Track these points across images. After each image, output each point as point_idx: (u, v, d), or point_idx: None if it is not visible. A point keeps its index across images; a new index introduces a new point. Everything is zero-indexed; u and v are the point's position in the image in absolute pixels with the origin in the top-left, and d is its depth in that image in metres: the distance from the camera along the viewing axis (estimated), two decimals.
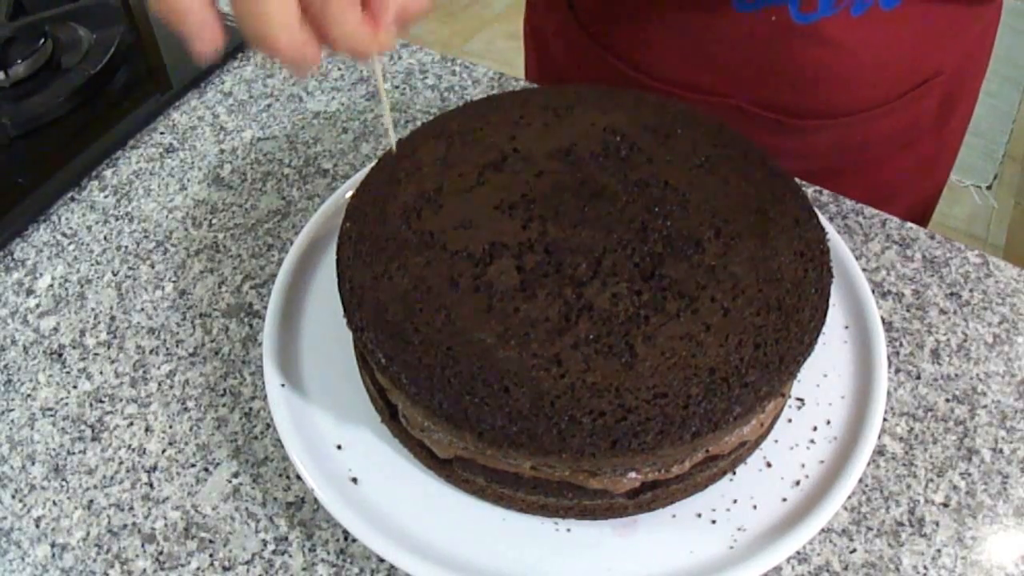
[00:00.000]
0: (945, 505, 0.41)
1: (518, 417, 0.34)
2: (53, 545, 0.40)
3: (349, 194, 0.45)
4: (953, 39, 0.59)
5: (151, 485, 0.42)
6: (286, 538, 0.40)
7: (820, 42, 0.55)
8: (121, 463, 0.43)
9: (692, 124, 0.46)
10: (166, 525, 0.41)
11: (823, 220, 0.43)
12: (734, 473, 0.40)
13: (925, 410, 0.44)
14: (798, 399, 0.43)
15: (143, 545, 0.40)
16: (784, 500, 0.39)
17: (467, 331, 0.36)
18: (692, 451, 0.37)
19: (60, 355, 0.48)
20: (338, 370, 0.44)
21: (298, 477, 0.42)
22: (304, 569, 0.39)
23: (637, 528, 0.39)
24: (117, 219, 0.55)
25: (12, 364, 0.47)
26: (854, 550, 0.39)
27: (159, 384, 0.46)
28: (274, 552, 0.40)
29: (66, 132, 0.59)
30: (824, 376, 0.43)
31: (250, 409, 0.45)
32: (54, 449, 0.44)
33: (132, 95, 0.61)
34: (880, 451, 0.43)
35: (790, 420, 0.42)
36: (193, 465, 0.43)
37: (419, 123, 0.49)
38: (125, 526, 0.41)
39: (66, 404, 0.46)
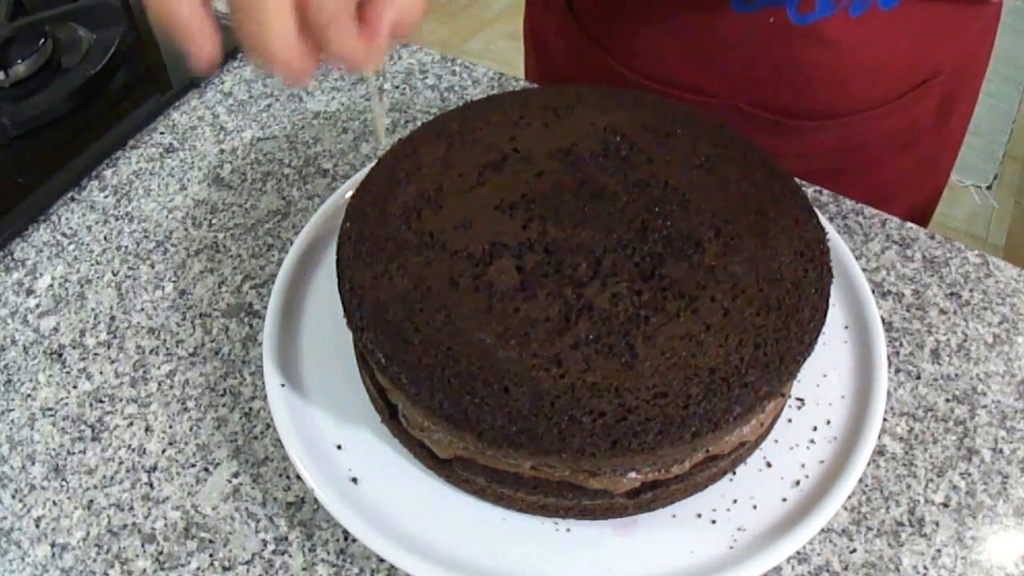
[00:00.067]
0: (945, 505, 0.41)
1: (518, 417, 0.34)
2: (53, 545, 0.40)
3: (349, 194, 0.45)
4: (952, 39, 0.59)
5: (151, 485, 0.42)
6: (286, 538, 0.40)
7: (819, 43, 0.55)
8: (121, 463, 0.43)
9: (692, 124, 0.46)
10: (166, 525, 0.41)
11: (823, 220, 0.43)
12: (734, 473, 0.40)
13: (925, 410, 0.44)
14: (798, 399, 0.43)
15: (143, 545, 0.40)
16: (784, 500, 0.39)
17: (467, 331, 0.36)
18: (692, 451, 0.37)
19: (60, 355, 0.48)
20: (338, 370, 0.44)
21: (298, 477, 0.42)
22: (304, 569, 0.39)
23: (637, 528, 0.39)
24: (117, 219, 0.55)
25: (12, 364, 0.47)
26: (854, 550, 0.39)
27: (159, 384, 0.46)
28: (274, 552, 0.40)
29: (66, 132, 0.59)
30: (824, 376, 0.43)
31: (250, 409, 0.45)
32: (54, 449, 0.44)
33: (132, 95, 0.61)
34: (880, 451, 0.43)
35: (790, 420, 0.42)
36: (193, 465, 0.43)
37: (419, 123, 0.49)
38: (125, 526, 0.41)
39: (66, 404, 0.46)
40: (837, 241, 0.47)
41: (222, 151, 0.59)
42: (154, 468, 0.43)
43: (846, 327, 0.45)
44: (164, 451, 0.43)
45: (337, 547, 0.40)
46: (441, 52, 0.66)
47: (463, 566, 0.36)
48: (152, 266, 0.52)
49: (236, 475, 0.42)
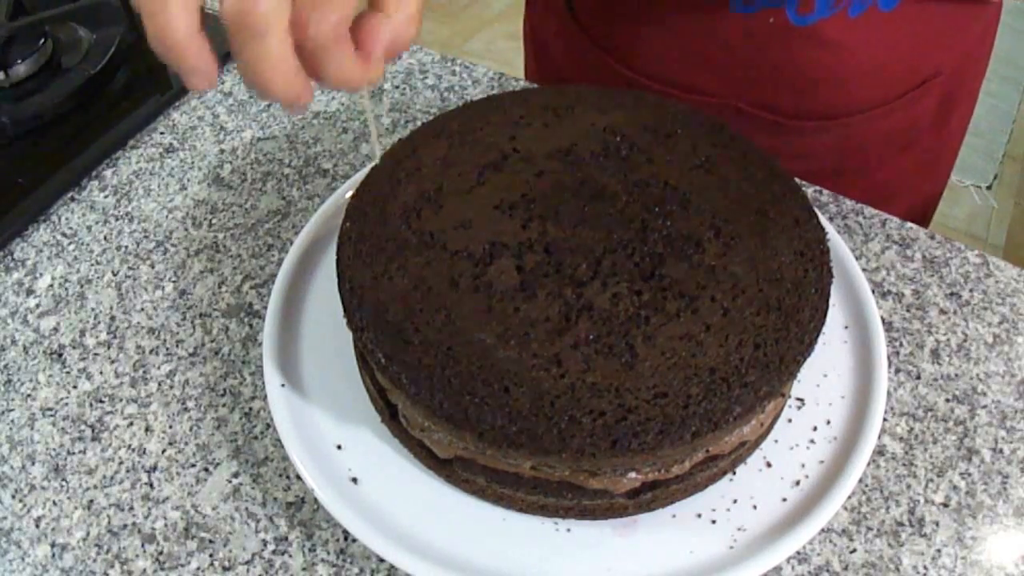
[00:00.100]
0: (945, 505, 0.41)
1: (518, 417, 0.34)
2: (53, 545, 0.40)
3: (349, 194, 0.45)
4: (952, 39, 0.59)
5: (151, 485, 0.42)
6: (286, 538, 0.40)
7: (818, 43, 0.55)
8: (121, 463, 0.43)
9: (692, 124, 0.46)
10: (166, 525, 0.41)
11: (823, 220, 0.43)
12: (734, 473, 0.40)
13: (925, 410, 0.44)
14: (798, 399, 0.43)
15: (143, 545, 0.40)
16: (784, 500, 0.39)
17: (467, 331, 0.36)
18: (692, 451, 0.37)
19: (60, 355, 0.48)
20: (338, 370, 0.44)
21: (298, 477, 0.42)
22: (304, 569, 0.39)
23: (637, 528, 0.39)
24: (117, 219, 0.55)
25: (12, 364, 0.47)
26: (854, 550, 0.39)
27: (159, 384, 0.46)
28: (274, 552, 0.40)
29: (66, 132, 0.59)
30: (824, 376, 0.43)
31: (250, 409, 0.45)
32: (54, 449, 0.44)
33: (132, 95, 0.61)
34: (880, 451, 0.43)
35: (790, 420, 0.42)
36: (193, 465, 0.43)
37: (419, 123, 0.49)
38: (125, 526, 0.41)
39: (66, 404, 0.46)
40: (837, 241, 0.47)
41: (222, 151, 0.59)
42: (154, 468, 0.43)
43: (846, 327, 0.45)
44: (164, 451, 0.43)
45: (337, 547, 0.40)
46: (441, 52, 0.66)
47: (463, 566, 0.36)
48: (152, 266, 0.52)
49: (236, 475, 0.42)
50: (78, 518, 0.41)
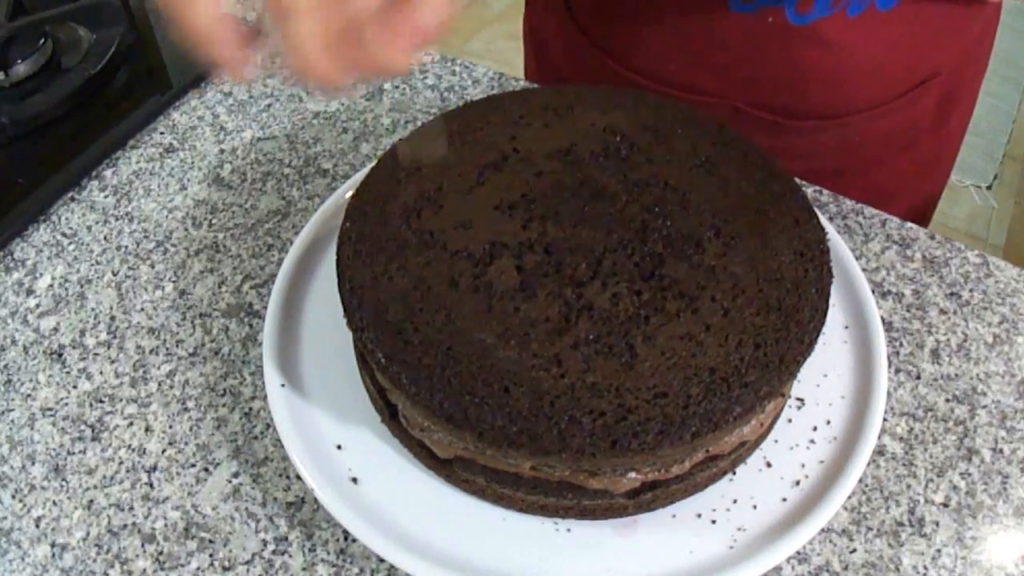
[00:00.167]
0: (945, 505, 0.41)
1: (518, 417, 0.34)
2: (53, 545, 0.40)
3: (349, 194, 0.45)
4: (951, 39, 0.59)
5: (151, 485, 0.42)
6: (286, 538, 0.40)
7: (817, 43, 0.55)
8: (121, 463, 0.43)
9: (692, 124, 0.46)
10: (166, 525, 0.41)
11: (823, 220, 0.43)
12: (734, 473, 0.40)
13: (925, 410, 0.44)
14: (798, 399, 0.43)
15: (143, 545, 0.40)
16: (784, 500, 0.39)
17: (467, 331, 0.36)
18: (692, 451, 0.37)
19: (60, 355, 0.48)
20: (338, 370, 0.44)
21: (298, 477, 0.42)
22: (304, 569, 0.39)
23: (637, 528, 0.39)
24: (117, 219, 0.55)
25: (12, 364, 0.47)
26: (854, 550, 0.39)
27: (159, 384, 0.46)
28: (274, 552, 0.40)
29: (66, 132, 0.59)
30: (824, 376, 0.43)
31: (250, 409, 0.45)
32: (54, 449, 0.44)
33: (132, 95, 0.61)
34: (880, 451, 0.43)
35: (790, 420, 0.42)
36: (193, 465, 0.43)
37: (419, 123, 0.49)
38: (125, 526, 0.41)
39: (66, 404, 0.46)
40: (837, 241, 0.47)
41: (222, 151, 0.59)
42: (154, 468, 0.43)
43: (846, 327, 0.45)
44: (164, 451, 0.43)
45: (337, 547, 0.40)
46: (441, 52, 0.66)
47: (463, 566, 0.36)
48: (152, 266, 0.52)
49: (236, 475, 0.42)
50: (78, 518, 0.41)
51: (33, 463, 0.43)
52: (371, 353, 0.37)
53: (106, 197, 0.56)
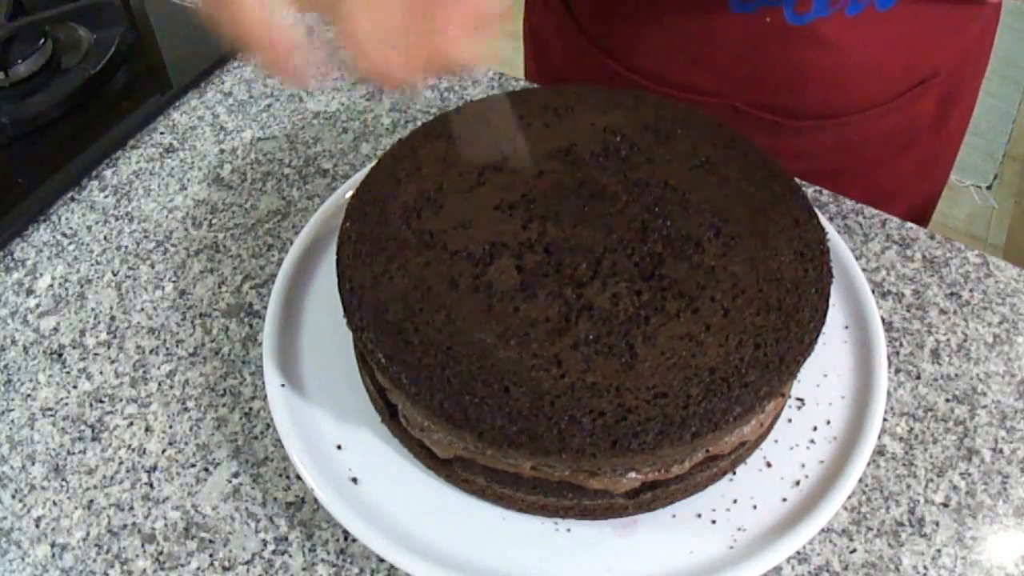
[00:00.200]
0: (945, 505, 0.41)
1: (518, 417, 0.34)
2: (53, 545, 0.40)
3: (349, 194, 0.45)
4: (950, 39, 0.59)
5: (151, 485, 0.42)
6: (286, 538, 0.40)
7: (815, 43, 0.55)
8: (121, 463, 0.43)
9: (692, 124, 0.46)
10: (166, 525, 0.41)
11: (823, 220, 0.43)
12: (734, 473, 0.40)
13: (925, 410, 0.44)
14: (798, 399, 0.43)
15: (143, 545, 0.40)
16: (784, 500, 0.39)
17: (467, 331, 0.36)
18: (692, 451, 0.37)
19: (60, 355, 0.48)
20: (338, 370, 0.44)
21: (298, 477, 0.42)
22: (304, 569, 0.39)
23: (637, 528, 0.39)
24: (117, 219, 0.55)
25: (12, 364, 0.47)
26: (854, 550, 0.39)
27: (159, 384, 0.46)
28: (274, 552, 0.40)
29: (66, 132, 0.59)
30: (824, 376, 0.43)
31: (250, 409, 0.45)
32: (54, 449, 0.44)
33: (132, 95, 0.61)
34: (880, 451, 0.43)
35: (790, 420, 0.42)
36: (193, 465, 0.43)
37: (419, 123, 0.49)
38: (125, 526, 0.41)
39: (66, 404, 0.46)
40: (837, 241, 0.47)
41: (222, 151, 0.59)
42: (154, 468, 0.43)
43: (846, 327, 0.45)
44: (164, 451, 0.43)
45: (337, 547, 0.40)
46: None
47: (463, 566, 0.36)
48: (152, 266, 0.52)
49: (236, 475, 0.42)
50: (78, 518, 0.41)
51: (33, 463, 0.43)
52: (371, 353, 0.37)
53: (106, 197, 0.56)
